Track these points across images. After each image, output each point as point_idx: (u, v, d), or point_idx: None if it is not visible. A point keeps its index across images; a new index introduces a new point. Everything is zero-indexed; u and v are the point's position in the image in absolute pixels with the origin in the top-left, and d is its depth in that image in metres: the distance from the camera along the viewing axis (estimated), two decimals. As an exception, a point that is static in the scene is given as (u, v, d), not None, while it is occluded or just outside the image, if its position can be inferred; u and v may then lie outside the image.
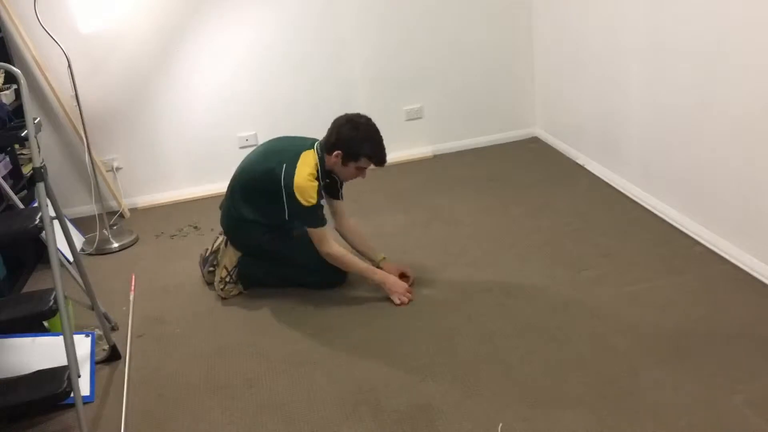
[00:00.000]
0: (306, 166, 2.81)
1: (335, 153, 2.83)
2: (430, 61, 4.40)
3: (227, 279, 3.08)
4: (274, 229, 2.99)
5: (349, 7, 4.18)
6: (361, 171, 2.91)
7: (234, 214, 3.01)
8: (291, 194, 2.79)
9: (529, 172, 4.16)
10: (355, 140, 2.81)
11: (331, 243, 2.92)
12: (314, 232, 2.88)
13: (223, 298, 3.09)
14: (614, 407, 2.19)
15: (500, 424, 2.16)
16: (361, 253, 3.10)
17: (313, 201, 2.81)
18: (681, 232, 3.20)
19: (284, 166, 2.81)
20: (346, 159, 2.84)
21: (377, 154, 2.85)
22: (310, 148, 2.88)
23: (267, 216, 2.94)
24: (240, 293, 3.12)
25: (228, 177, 4.28)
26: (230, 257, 3.09)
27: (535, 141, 4.64)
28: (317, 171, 2.84)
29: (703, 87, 2.95)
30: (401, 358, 2.55)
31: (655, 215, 3.38)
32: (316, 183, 2.82)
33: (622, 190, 3.69)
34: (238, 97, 4.23)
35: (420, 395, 2.34)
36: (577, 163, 4.14)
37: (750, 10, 2.62)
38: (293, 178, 2.78)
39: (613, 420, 2.13)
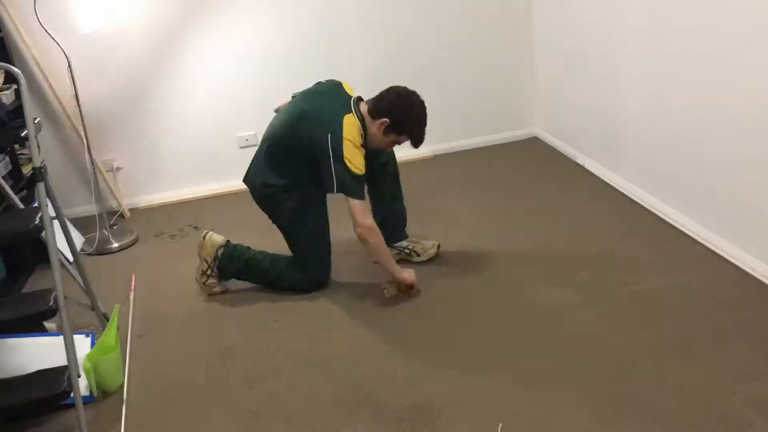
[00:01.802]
0: (353, 132, 2.75)
1: (381, 120, 2.79)
2: (430, 61, 4.40)
3: (208, 272, 3.07)
4: (302, 196, 2.96)
5: (348, 8, 4.18)
6: (395, 143, 2.90)
7: (263, 179, 2.99)
8: (340, 163, 2.71)
9: (528, 172, 4.16)
10: (407, 117, 2.81)
11: (372, 216, 2.89)
12: (359, 204, 2.78)
13: (209, 294, 3.10)
14: (614, 407, 2.19)
15: (500, 424, 2.16)
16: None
17: (363, 170, 2.77)
18: (681, 231, 3.20)
19: (329, 135, 2.72)
20: (390, 130, 2.81)
21: (419, 136, 2.85)
22: (348, 111, 2.81)
23: (290, 181, 2.93)
24: (224, 291, 3.12)
25: (228, 177, 4.26)
26: (209, 250, 3.06)
27: (534, 141, 4.64)
28: (362, 137, 2.80)
29: (704, 87, 2.95)
30: (401, 358, 2.55)
31: (655, 215, 3.38)
32: (363, 151, 2.79)
33: (622, 190, 3.69)
34: (238, 97, 4.22)
35: (420, 395, 2.34)
36: (576, 163, 4.14)
37: (750, 9, 2.62)
38: (342, 147, 2.71)
39: (613, 420, 2.14)
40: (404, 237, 3.22)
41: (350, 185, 2.75)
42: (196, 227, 3.90)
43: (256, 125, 4.30)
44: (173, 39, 4.04)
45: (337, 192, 2.78)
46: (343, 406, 2.33)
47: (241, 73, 4.18)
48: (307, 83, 4.26)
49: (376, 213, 3.09)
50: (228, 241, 3.10)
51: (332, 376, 2.49)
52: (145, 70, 4.07)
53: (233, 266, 3.07)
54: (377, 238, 2.84)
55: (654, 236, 3.22)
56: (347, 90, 2.98)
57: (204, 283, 3.09)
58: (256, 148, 4.27)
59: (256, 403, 2.40)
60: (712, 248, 3.01)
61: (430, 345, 2.61)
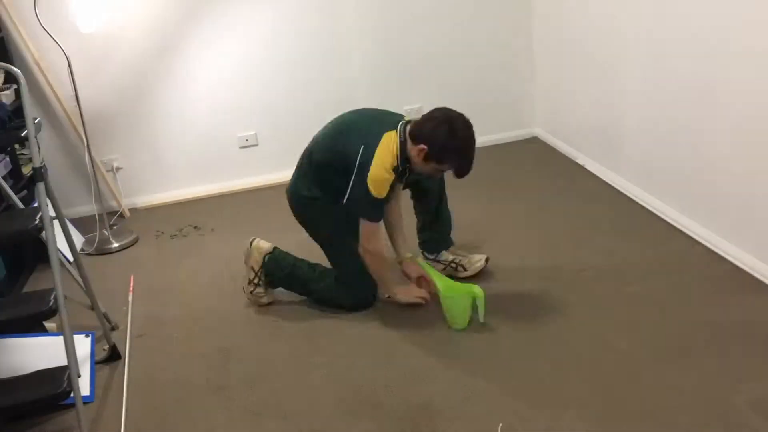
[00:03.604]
0: (387, 153, 2.54)
1: (420, 146, 2.52)
2: (430, 60, 4.40)
3: (255, 281, 2.95)
4: (337, 213, 2.76)
5: (348, 7, 4.18)
6: (439, 172, 2.69)
7: (301, 190, 2.82)
8: (362, 180, 2.55)
9: (528, 172, 4.16)
10: (447, 146, 2.53)
11: (381, 241, 2.74)
12: (368, 225, 2.65)
13: (257, 305, 2.99)
14: (614, 407, 2.19)
15: (500, 424, 2.16)
16: (391, 240, 2.95)
17: (383, 195, 2.58)
18: (681, 232, 3.19)
19: (362, 147, 2.56)
20: (429, 158, 2.54)
21: (462, 168, 2.60)
22: (393, 129, 2.59)
23: (331, 195, 2.74)
24: (271, 303, 3.00)
25: (228, 177, 4.26)
26: (256, 257, 2.94)
27: (534, 141, 4.64)
28: (397, 160, 2.55)
29: (704, 87, 2.95)
30: (401, 358, 2.55)
31: (655, 215, 3.38)
32: (392, 176, 2.56)
33: (622, 190, 3.68)
34: (238, 96, 4.22)
35: (420, 395, 2.34)
36: (576, 163, 4.14)
37: (750, 10, 2.62)
38: (370, 164, 2.53)
39: (613, 420, 2.13)
40: (450, 243, 3.11)
41: (364, 205, 2.62)
42: (196, 227, 3.90)
43: (256, 125, 4.32)
44: (174, 39, 4.04)
45: (347, 205, 2.67)
46: (344, 407, 2.33)
47: (242, 72, 4.18)
48: (306, 82, 4.29)
49: (420, 213, 3.08)
50: (275, 247, 2.98)
51: (333, 377, 2.49)
52: (145, 69, 4.07)
53: (280, 273, 2.93)
54: (377, 262, 2.75)
55: (654, 236, 3.21)
56: (404, 116, 2.75)
57: (251, 292, 2.96)
58: (256, 149, 4.29)
59: (257, 404, 2.40)
60: (713, 248, 3.01)
61: (430, 345, 2.61)
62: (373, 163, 2.54)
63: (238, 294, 3.10)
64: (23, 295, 3.12)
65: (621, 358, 2.41)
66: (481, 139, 4.56)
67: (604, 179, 3.86)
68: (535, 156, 4.41)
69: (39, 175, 2.26)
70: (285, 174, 4.40)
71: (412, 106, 4.46)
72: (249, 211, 4.02)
